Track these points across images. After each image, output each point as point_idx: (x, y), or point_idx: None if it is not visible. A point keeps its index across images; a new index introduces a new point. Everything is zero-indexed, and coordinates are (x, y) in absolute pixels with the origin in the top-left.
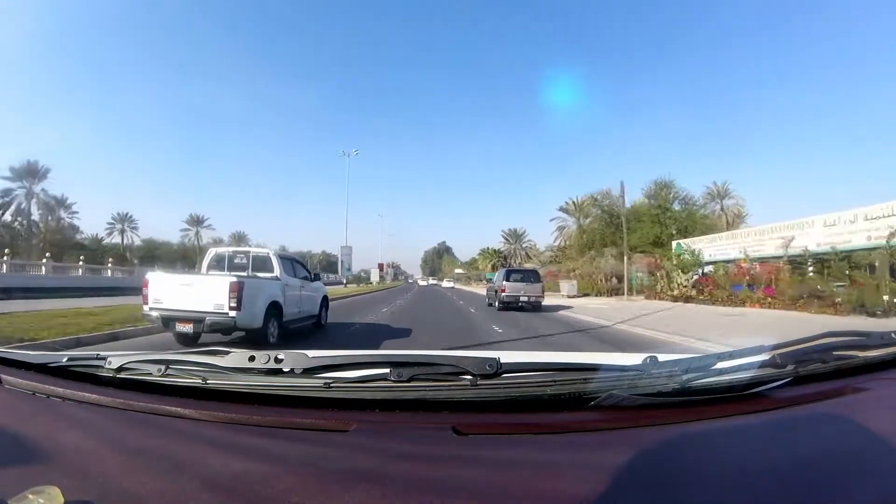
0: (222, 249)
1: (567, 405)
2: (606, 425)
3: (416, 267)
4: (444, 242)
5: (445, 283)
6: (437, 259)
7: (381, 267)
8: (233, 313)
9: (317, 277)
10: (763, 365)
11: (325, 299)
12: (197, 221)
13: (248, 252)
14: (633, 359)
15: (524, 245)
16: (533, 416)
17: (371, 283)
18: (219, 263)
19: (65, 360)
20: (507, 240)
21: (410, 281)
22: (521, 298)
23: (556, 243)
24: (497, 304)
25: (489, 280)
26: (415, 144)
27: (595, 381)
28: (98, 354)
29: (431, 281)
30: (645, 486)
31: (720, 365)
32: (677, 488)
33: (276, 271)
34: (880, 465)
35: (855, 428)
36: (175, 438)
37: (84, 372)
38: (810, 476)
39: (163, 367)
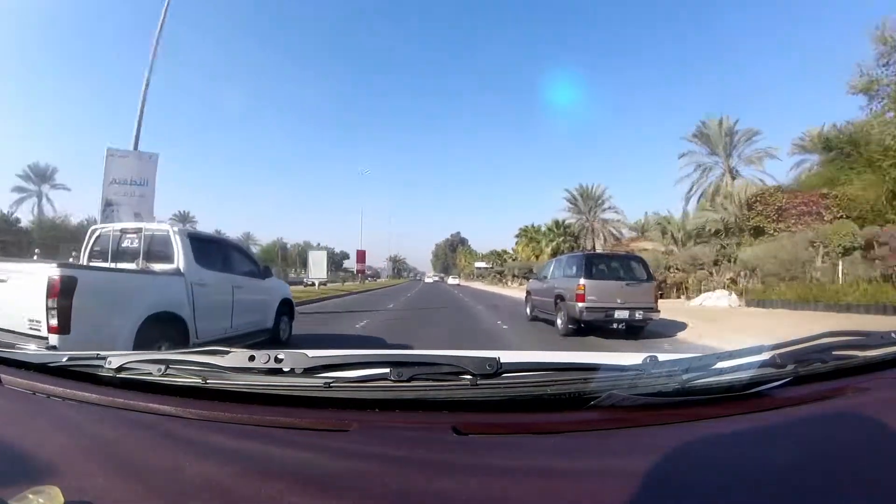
0: (108, 227)
1: (567, 405)
2: (606, 425)
3: (427, 263)
4: (458, 233)
5: (450, 281)
6: (451, 253)
7: (360, 256)
8: (54, 338)
9: (267, 272)
10: (763, 365)
11: (286, 304)
12: (41, 176)
13: (141, 230)
14: (634, 359)
15: (604, 212)
16: (533, 416)
17: (311, 285)
18: (103, 249)
19: (64, 359)
20: (573, 204)
21: (417, 278)
22: (618, 314)
23: (692, 195)
24: (564, 321)
25: (532, 276)
26: (424, 135)
27: (595, 381)
28: (98, 354)
29: (435, 278)
30: (645, 486)
31: (720, 365)
32: (677, 488)
33: (179, 261)
34: (881, 465)
35: (855, 428)
36: (175, 438)
37: (84, 372)
38: (810, 476)
39: (163, 367)
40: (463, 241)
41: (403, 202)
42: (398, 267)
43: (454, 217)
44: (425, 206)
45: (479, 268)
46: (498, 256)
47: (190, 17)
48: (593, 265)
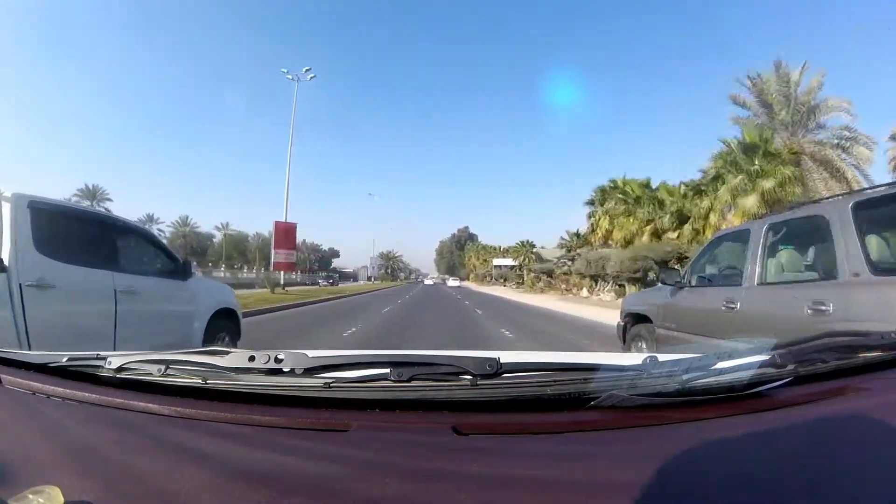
0: None
1: (567, 405)
2: (606, 425)
3: (431, 263)
4: (466, 228)
5: (450, 283)
6: (458, 251)
7: (280, 234)
8: None
9: (187, 270)
10: (763, 365)
11: (225, 317)
12: None
13: None
14: (634, 359)
15: (818, 131)
16: (533, 416)
17: None
18: None
19: (65, 359)
20: (762, 104)
21: (419, 280)
22: None
23: None
24: None
25: (665, 276)
26: (423, 128)
27: (595, 381)
28: (98, 354)
29: (437, 280)
30: (644, 486)
31: (720, 365)
32: (677, 488)
33: (2, 247)
34: (881, 465)
35: (855, 428)
36: (175, 438)
37: (84, 372)
38: (810, 476)
39: (163, 367)
40: (472, 237)
41: (402, 196)
42: (392, 266)
43: (461, 214)
44: (427, 203)
45: (501, 267)
46: (529, 249)
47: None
48: None
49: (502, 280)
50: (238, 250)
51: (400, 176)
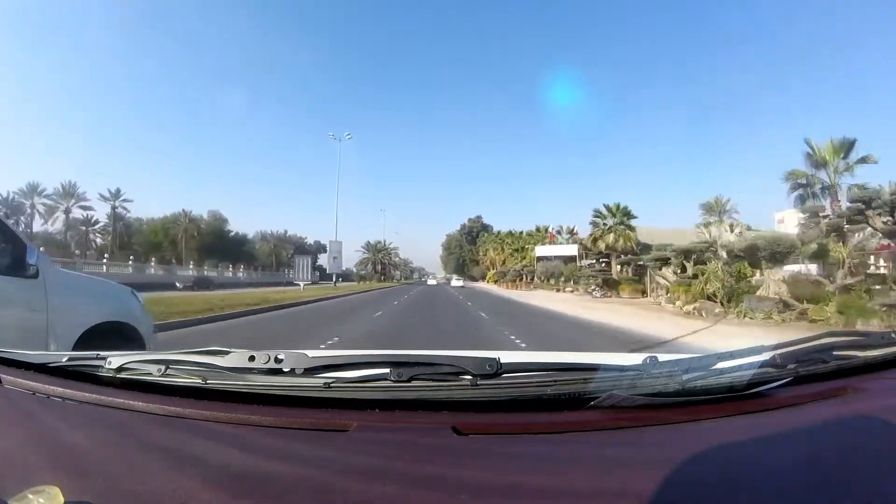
0: None
1: (567, 405)
2: (606, 425)
3: (437, 261)
4: (479, 218)
5: (454, 283)
6: (470, 245)
7: None
8: None
9: (20, 261)
10: (763, 365)
11: (113, 333)
12: None
13: None
14: (634, 359)
15: None
16: (533, 416)
17: None
18: None
19: (65, 359)
20: None
21: (423, 279)
22: None
23: None
24: None
25: None
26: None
27: (595, 381)
28: (98, 354)
29: (441, 280)
30: (645, 486)
31: (720, 365)
32: (677, 488)
33: None
34: (880, 465)
35: (855, 428)
36: (175, 438)
37: (84, 372)
38: (810, 476)
39: (163, 367)
40: (486, 228)
41: (403, 194)
42: (382, 261)
43: (469, 209)
44: (432, 198)
45: (550, 259)
46: (623, 219)
47: None
48: None
49: (553, 281)
50: (168, 237)
51: (401, 172)
